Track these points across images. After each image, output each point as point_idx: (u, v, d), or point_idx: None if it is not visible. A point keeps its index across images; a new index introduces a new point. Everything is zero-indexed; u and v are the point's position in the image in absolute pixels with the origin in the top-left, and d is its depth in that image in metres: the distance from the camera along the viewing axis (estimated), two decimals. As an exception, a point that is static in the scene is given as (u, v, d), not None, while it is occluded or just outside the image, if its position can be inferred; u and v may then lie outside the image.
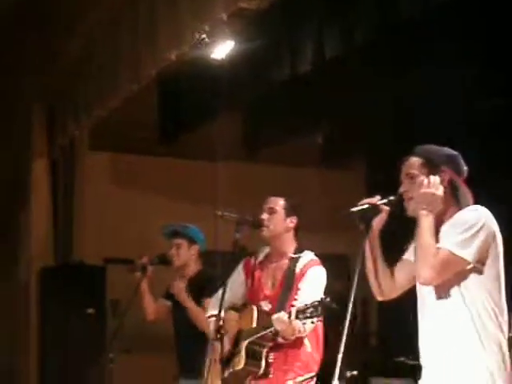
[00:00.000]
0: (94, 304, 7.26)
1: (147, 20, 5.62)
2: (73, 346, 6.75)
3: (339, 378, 2.75)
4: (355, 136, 8.33)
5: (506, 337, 3.00)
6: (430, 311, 3.07)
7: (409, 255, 3.22)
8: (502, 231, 3.04)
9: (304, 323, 3.70)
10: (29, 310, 7.55)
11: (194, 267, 5.35)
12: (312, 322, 3.68)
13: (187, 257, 5.33)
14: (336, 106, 7.43)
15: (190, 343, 5.08)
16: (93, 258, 7.66)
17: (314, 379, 4.13)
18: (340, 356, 2.79)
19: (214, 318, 4.17)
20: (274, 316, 3.87)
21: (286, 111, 7.60)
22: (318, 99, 7.33)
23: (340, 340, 2.83)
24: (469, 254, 2.91)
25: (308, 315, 3.63)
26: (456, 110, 6.57)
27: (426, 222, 3.00)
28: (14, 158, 8.07)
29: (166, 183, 8.56)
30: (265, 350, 4.01)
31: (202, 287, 5.05)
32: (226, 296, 4.14)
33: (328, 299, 3.66)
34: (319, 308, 3.61)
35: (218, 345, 3.97)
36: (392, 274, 3.21)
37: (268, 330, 3.92)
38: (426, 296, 3.07)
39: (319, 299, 3.65)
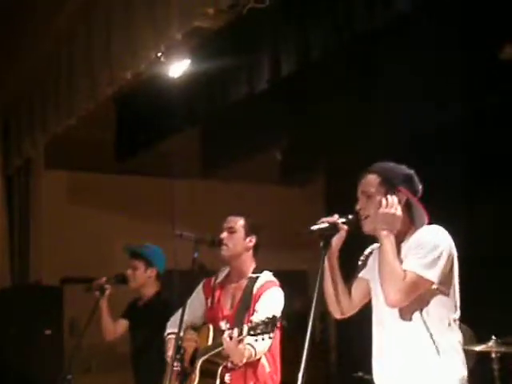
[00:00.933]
0: (52, 324, 7.19)
1: (103, 39, 5.60)
2: (31, 367, 6.67)
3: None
4: (313, 152, 8.39)
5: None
6: (388, 329, 3.11)
7: (364, 273, 3.27)
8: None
9: (256, 340, 3.69)
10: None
11: (151, 289, 5.34)
12: (263, 339, 3.66)
13: (143, 279, 5.31)
14: (294, 122, 7.49)
15: (148, 362, 5.05)
16: (50, 278, 7.59)
17: None
18: (301, 372, 2.81)
19: (172, 336, 4.17)
20: (225, 334, 3.87)
21: (244, 128, 7.63)
22: (276, 115, 7.37)
23: (300, 357, 2.85)
24: (434, 275, 2.98)
25: (259, 331, 3.62)
26: (414, 122, 6.63)
27: (388, 243, 3.05)
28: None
29: (123, 201, 8.55)
30: (219, 368, 4.00)
31: (158, 310, 5.02)
32: (186, 315, 4.13)
33: (278, 317, 3.67)
34: (270, 325, 3.60)
35: (175, 364, 3.95)
36: (349, 292, 3.26)
37: (220, 348, 3.91)
38: (384, 314, 3.12)
39: (270, 316, 3.65)
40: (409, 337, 3.04)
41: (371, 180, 3.17)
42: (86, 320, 4.85)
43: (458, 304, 3.11)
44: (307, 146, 8.35)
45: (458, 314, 3.10)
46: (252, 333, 3.67)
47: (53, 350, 6.94)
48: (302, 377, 2.80)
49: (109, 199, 8.50)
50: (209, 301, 4.32)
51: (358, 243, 3.20)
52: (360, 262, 3.36)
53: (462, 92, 6.15)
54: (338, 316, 3.31)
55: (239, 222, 4.27)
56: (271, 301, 4.07)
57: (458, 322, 3.09)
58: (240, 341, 3.75)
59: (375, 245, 3.24)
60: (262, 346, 3.90)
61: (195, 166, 8.26)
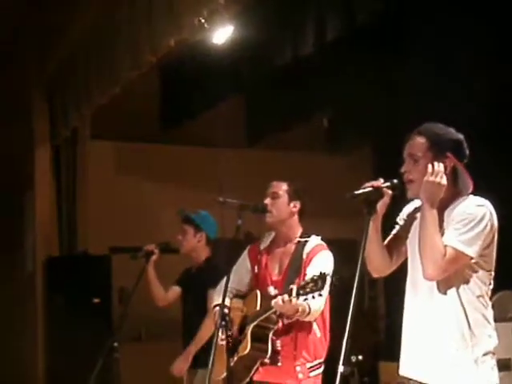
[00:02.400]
0: (100, 293, 7.24)
1: (145, 7, 5.56)
2: (79, 336, 6.73)
3: (345, 364, 2.71)
4: (361, 119, 8.26)
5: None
6: (423, 298, 3.06)
7: (403, 232, 3.22)
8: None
9: (306, 299, 3.64)
10: (35, 301, 7.55)
11: (201, 255, 5.32)
12: (313, 297, 3.59)
13: (193, 244, 5.30)
14: (340, 89, 7.37)
15: (198, 328, 5.04)
16: (98, 248, 7.64)
17: (323, 365, 4.09)
18: (345, 341, 2.75)
19: (218, 308, 4.13)
20: (275, 299, 3.81)
21: (290, 96, 7.53)
22: (322, 82, 7.27)
23: (345, 324, 2.79)
24: (474, 251, 2.93)
25: (308, 290, 3.57)
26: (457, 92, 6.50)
27: (430, 215, 2.97)
28: (16, 148, 8.04)
29: (169, 171, 8.54)
30: (271, 333, 3.96)
31: (209, 275, 4.99)
32: (232, 284, 4.12)
33: (328, 274, 3.61)
34: (319, 282, 3.55)
35: (222, 334, 3.92)
36: (387, 252, 3.21)
37: (270, 312, 3.88)
38: (419, 280, 3.05)
39: (318, 274, 3.59)
40: (441, 307, 2.99)
41: (419, 143, 3.07)
42: (132, 288, 4.85)
43: (492, 275, 3.04)
44: (354, 114, 8.22)
45: (490, 284, 3.04)
46: (301, 292, 3.61)
47: (101, 318, 7.00)
48: (346, 344, 2.74)
49: (155, 169, 8.50)
50: (255, 267, 4.26)
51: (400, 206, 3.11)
52: (399, 219, 3.29)
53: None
54: (375, 275, 3.26)
55: (282, 187, 4.20)
56: (322, 264, 4.00)
57: (489, 292, 3.04)
58: (290, 301, 3.69)
59: (417, 202, 3.13)
60: (317, 305, 3.84)
61: (240, 134, 8.20)
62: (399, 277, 3.29)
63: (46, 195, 7.76)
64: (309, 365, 4.03)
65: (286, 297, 3.71)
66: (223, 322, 3.89)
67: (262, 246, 4.32)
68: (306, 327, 4.02)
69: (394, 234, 3.26)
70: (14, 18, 7.31)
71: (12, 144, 8.05)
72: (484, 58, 6.13)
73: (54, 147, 7.86)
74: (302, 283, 3.64)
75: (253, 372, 4.02)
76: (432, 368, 3.00)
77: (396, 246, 3.23)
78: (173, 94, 7.70)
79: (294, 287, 3.67)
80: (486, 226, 2.93)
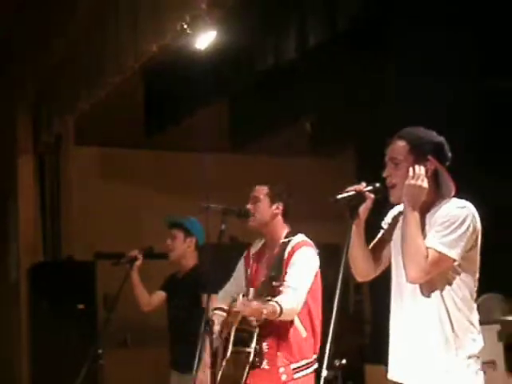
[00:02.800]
0: (85, 299, 7.22)
1: (129, 12, 5.56)
2: (64, 343, 6.71)
3: (328, 368, 2.70)
4: (343, 123, 8.27)
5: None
6: (407, 301, 3.05)
7: (385, 235, 3.22)
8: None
9: (276, 301, 3.65)
10: (19, 308, 7.51)
11: (190, 261, 5.28)
12: (273, 300, 3.64)
13: (182, 249, 5.25)
14: (323, 94, 7.37)
15: (183, 335, 5.02)
16: (82, 254, 7.61)
17: (313, 366, 4.05)
18: (328, 345, 2.74)
19: (217, 312, 4.14)
20: (237, 301, 3.84)
21: (272, 100, 7.54)
22: (304, 87, 7.28)
23: (329, 327, 2.78)
24: (456, 253, 2.91)
25: (261, 293, 3.59)
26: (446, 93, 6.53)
27: (412, 218, 2.96)
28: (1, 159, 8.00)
29: (153, 176, 8.53)
30: (253, 335, 3.93)
31: (197, 283, 4.96)
32: (231, 288, 4.19)
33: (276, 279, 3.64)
34: (273, 286, 3.56)
35: (206, 337, 3.92)
36: (371, 256, 3.19)
37: (239, 316, 3.88)
38: (403, 284, 3.05)
39: (273, 283, 3.62)
40: (425, 310, 2.98)
41: (400, 147, 3.06)
42: (115, 294, 4.82)
43: (477, 276, 3.03)
44: (336, 118, 8.24)
45: (475, 286, 3.02)
46: (258, 294, 3.64)
47: (86, 324, 6.98)
48: (330, 347, 2.73)
49: (139, 174, 8.49)
50: (248, 272, 4.27)
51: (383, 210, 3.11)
52: (383, 223, 3.28)
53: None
54: (360, 279, 3.24)
55: (263, 191, 4.20)
56: (301, 261, 4.00)
57: (475, 295, 3.03)
58: (248, 304, 3.73)
59: (401, 206, 3.13)
60: (291, 303, 3.83)
61: (224, 139, 8.19)
62: (384, 280, 3.27)
63: (29, 202, 7.73)
64: (294, 366, 3.99)
65: (243, 299, 3.75)
66: (206, 328, 3.88)
67: (253, 251, 4.32)
68: (289, 327, 3.99)
69: (379, 238, 3.25)
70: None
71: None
72: (468, 61, 6.14)
73: (37, 154, 7.83)
74: (261, 286, 3.65)
75: (245, 376, 3.97)
76: (417, 371, 2.99)
77: (381, 250, 3.21)
78: (156, 99, 7.69)
79: (252, 290, 3.70)
80: (469, 227, 2.92)
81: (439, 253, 2.89)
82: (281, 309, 3.78)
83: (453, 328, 2.94)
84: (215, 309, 4.21)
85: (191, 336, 4.83)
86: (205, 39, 5.85)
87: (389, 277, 3.21)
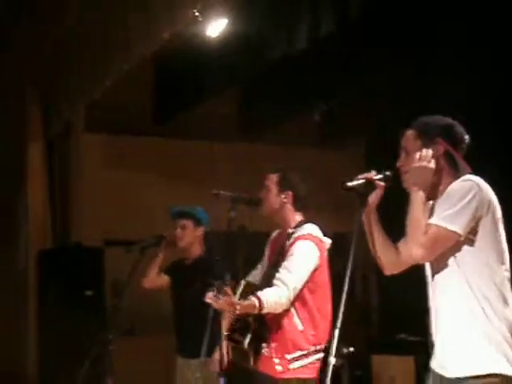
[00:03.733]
0: (93, 286, 7.24)
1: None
2: (72, 329, 6.72)
3: (336, 355, 2.71)
4: (354, 114, 8.27)
5: None
6: (433, 287, 3.03)
7: None
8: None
9: (256, 295, 3.72)
10: (28, 293, 7.54)
11: (198, 249, 5.31)
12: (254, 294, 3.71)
13: (192, 238, 5.28)
14: (334, 84, 7.36)
15: (190, 321, 5.04)
16: (90, 240, 7.63)
17: (313, 356, 4.06)
18: (336, 332, 2.74)
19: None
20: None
21: (284, 90, 7.53)
22: (316, 77, 7.26)
23: (337, 316, 2.79)
24: (459, 227, 2.85)
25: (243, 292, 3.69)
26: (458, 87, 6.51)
27: (416, 197, 2.96)
28: (9, 142, 8.02)
29: (162, 163, 8.52)
30: (248, 326, 3.98)
31: (208, 269, 4.97)
32: (258, 272, 4.30)
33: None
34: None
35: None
36: (396, 248, 3.13)
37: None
38: (429, 271, 3.04)
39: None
40: (449, 295, 2.94)
41: (409, 135, 3.08)
42: (126, 280, 4.84)
43: (506, 255, 2.94)
44: (347, 109, 8.23)
45: (502, 265, 2.92)
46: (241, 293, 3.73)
47: (94, 311, 6.99)
48: (337, 337, 2.73)
49: (148, 162, 8.48)
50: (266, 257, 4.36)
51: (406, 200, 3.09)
52: None
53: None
54: (385, 272, 3.19)
55: (273, 179, 4.21)
56: (296, 254, 4.00)
57: (503, 275, 2.92)
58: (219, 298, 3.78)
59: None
60: (275, 297, 3.86)
61: (234, 128, 8.19)
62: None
63: (38, 188, 7.75)
64: (289, 356, 4.01)
65: (219, 295, 3.79)
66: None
67: (272, 238, 4.37)
68: (285, 320, 4.01)
69: None
70: (6, 15, 7.29)
71: (5, 138, 8.03)
72: (476, 57, 6.12)
73: (47, 141, 7.84)
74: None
75: (251, 361, 4.04)
76: (448, 361, 2.94)
77: None
78: (166, 87, 7.68)
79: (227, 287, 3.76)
80: (472, 199, 2.85)
81: (439, 227, 2.86)
82: (260, 303, 3.80)
83: (484, 311, 2.86)
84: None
85: (198, 322, 4.88)
86: (216, 27, 5.86)
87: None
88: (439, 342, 3.00)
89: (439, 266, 2.96)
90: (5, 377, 7.30)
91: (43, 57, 7.50)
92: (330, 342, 2.87)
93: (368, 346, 7.41)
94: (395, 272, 3.18)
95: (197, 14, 5.01)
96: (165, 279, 5.45)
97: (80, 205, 7.88)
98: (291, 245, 4.05)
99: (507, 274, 2.95)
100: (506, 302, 2.91)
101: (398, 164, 3.10)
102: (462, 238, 2.88)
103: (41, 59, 7.54)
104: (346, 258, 2.92)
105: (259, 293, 3.81)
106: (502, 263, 2.94)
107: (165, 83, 7.70)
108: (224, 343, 4.37)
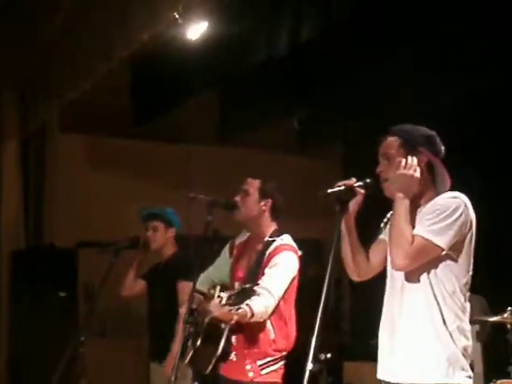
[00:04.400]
0: (66, 287, 7.20)
1: (121, 1, 5.54)
2: (45, 329, 6.69)
3: (313, 361, 2.72)
4: (331, 120, 8.29)
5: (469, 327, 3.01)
6: (398, 294, 3.05)
7: (384, 236, 3.20)
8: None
9: (247, 304, 3.68)
10: (0, 293, 7.48)
11: (170, 250, 5.32)
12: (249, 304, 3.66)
13: (164, 239, 5.29)
14: (313, 91, 7.38)
15: (165, 325, 5.03)
16: (64, 241, 7.58)
17: (280, 362, 4.07)
18: (314, 338, 2.75)
19: (197, 294, 4.13)
20: (211, 302, 3.87)
21: (262, 95, 7.53)
22: (295, 83, 7.28)
23: (314, 322, 2.79)
24: (444, 241, 2.90)
25: (232, 302, 3.63)
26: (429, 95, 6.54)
27: (401, 206, 2.97)
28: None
29: (139, 166, 8.50)
30: (224, 332, 3.94)
31: (178, 269, 5.01)
32: (215, 273, 4.24)
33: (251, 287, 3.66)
34: (242, 296, 3.60)
35: (186, 327, 3.93)
36: (367, 255, 3.19)
37: (209, 316, 3.90)
38: (396, 278, 3.06)
39: (247, 286, 3.64)
40: (415, 302, 2.98)
41: (391, 142, 3.09)
42: (100, 282, 4.82)
43: (470, 272, 3.03)
44: (325, 116, 8.25)
45: (467, 282, 3.01)
46: (228, 302, 3.67)
47: (67, 312, 6.96)
48: (316, 341, 2.75)
49: (125, 164, 8.44)
50: (231, 261, 4.30)
51: (378, 207, 3.11)
52: (382, 225, 3.28)
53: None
54: (355, 278, 3.24)
55: (254, 185, 4.19)
56: (280, 265, 3.99)
57: (466, 290, 3.01)
58: (224, 306, 3.75)
59: None
60: (262, 306, 3.84)
61: (212, 132, 8.18)
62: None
63: (12, 188, 7.70)
64: (260, 362, 4.01)
65: (217, 302, 3.78)
66: (189, 318, 3.89)
67: (237, 242, 4.33)
68: (258, 328, 4.00)
69: (378, 238, 3.25)
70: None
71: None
72: (462, 58, 6.13)
73: (22, 140, 7.80)
74: (233, 292, 3.67)
75: (211, 366, 4.00)
76: (404, 367, 2.98)
77: (379, 250, 3.20)
78: (145, 89, 7.66)
79: (225, 295, 3.71)
80: (459, 217, 2.91)
81: (426, 240, 2.89)
82: (252, 313, 3.79)
83: (442, 322, 2.92)
84: (194, 291, 4.21)
85: (170, 326, 4.89)
86: (197, 29, 5.84)
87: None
88: (404, 347, 2.99)
89: (412, 274, 2.98)
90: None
91: (20, 57, 7.45)
92: (304, 348, 2.88)
93: (340, 353, 7.44)
94: (364, 279, 3.24)
95: (177, 16, 5.01)
96: (141, 284, 5.44)
97: (54, 205, 7.84)
98: (274, 254, 4.04)
99: (469, 280, 3.02)
100: (465, 313, 3.00)
101: (378, 170, 3.10)
102: (444, 253, 2.93)
103: (17, 59, 7.48)
104: (316, 265, 2.93)
105: (249, 302, 3.76)
106: (468, 271, 3.01)
107: (143, 85, 7.67)
108: (177, 347, 4.38)
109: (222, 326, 3.92)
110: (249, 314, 3.79)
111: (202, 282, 4.21)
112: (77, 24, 6.30)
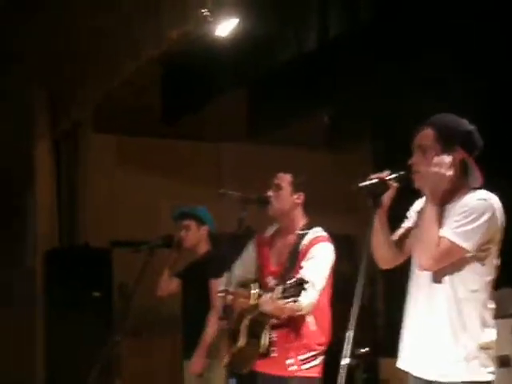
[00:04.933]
0: (101, 287, 7.24)
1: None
2: (79, 330, 6.73)
3: (350, 356, 2.72)
4: (362, 116, 8.24)
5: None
6: (421, 290, 3.05)
7: (411, 225, 3.19)
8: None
9: (295, 301, 3.65)
10: (35, 294, 7.54)
11: (203, 248, 5.34)
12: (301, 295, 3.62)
13: (197, 238, 5.31)
14: (343, 85, 7.35)
15: (199, 323, 5.04)
16: (98, 241, 7.63)
17: (320, 357, 4.08)
18: (351, 333, 2.76)
19: (221, 294, 4.14)
20: (262, 298, 3.85)
21: (291, 91, 7.51)
22: (325, 78, 7.25)
23: (349, 317, 2.80)
24: (470, 244, 2.89)
25: (288, 294, 3.59)
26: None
27: (431, 206, 2.95)
28: (17, 142, 8.03)
29: (170, 165, 8.51)
30: (265, 329, 3.96)
31: (211, 268, 5.01)
32: (239, 272, 4.21)
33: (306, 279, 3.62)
34: (298, 288, 3.57)
35: (221, 324, 3.95)
36: (397, 247, 3.18)
37: (258, 311, 3.90)
38: (419, 275, 3.05)
39: (299, 279, 3.61)
40: (437, 301, 2.98)
41: (428, 134, 3.03)
42: (135, 282, 4.84)
43: (494, 272, 3.01)
44: (356, 111, 8.21)
45: (491, 280, 2.99)
46: (282, 295, 3.63)
47: (101, 312, 7.00)
48: (351, 336, 2.77)
49: (156, 163, 8.46)
50: (258, 256, 4.28)
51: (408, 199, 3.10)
52: (409, 212, 3.26)
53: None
54: (382, 266, 3.23)
55: (286, 179, 4.19)
56: (319, 256, 4.01)
57: (490, 288, 3.00)
58: (275, 301, 3.71)
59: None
60: (309, 299, 3.83)
61: (242, 129, 8.18)
62: (400, 273, 3.28)
63: (46, 189, 7.77)
64: (301, 357, 4.03)
65: (269, 296, 3.76)
66: (223, 315, 3.91)
67: (266, 237, 4.33)
68: (300, 320, 4.01)
69: (405, 228, 3.23)
70: (14, 15, 7.31)
71: (12, 138, 8.05)
72: (490, 51, 6.08)
73: (54, 141, 7.86)
74: (287, 285, 3.64)
75: (251, 365, 4.05)
76: (425, 362, 2.99)
77: (405, 238, 3.19)
78: (174, 87, 7.68)
79: (280, 288, 3.68)
80: (487, 220, 2.89)
81: (452, 243, 2.88)
82: (300, 307, 3.81)
83: (463, 320, 2.92)
84: (220, 291, 4.21)
85: (203, 324, 4.90)
86: (226, 27, 5.84)
87: (404, 270, 3.21)
88: (425, 343, 3.00)
89: (436, 274, 2.98)
90: (12, 377, 7.30)
91: (51, 56, 7.52)
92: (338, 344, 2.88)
93: (375, 349, 7.40)
94: (389, 267, 3.23)
95: (207, 13, 5.02)
96: (176, 282, 5.45)
97: (87, 205, 7.90)
98: (310, 246, 4.05)
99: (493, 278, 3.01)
100: (487, 310, 2.99)
101: (411, 162, 3.06)
102: (470, 255, 2.92)
103: (49, 59, 7.56)
104: (348, 261, 2.93)
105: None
106: (492, 270, 3.01)
107: (173, 84, 7.69)
108: (206, 344, 4.38)
109: (265, 321, 3.93)
110: (298, 308, 3.80)
111: (227, 281, 4.19)
112: (108, 23, 6.33)
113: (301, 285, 3.59)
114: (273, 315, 3.89)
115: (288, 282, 3.63)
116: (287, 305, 3.68)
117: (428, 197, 2.97)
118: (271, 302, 3.76)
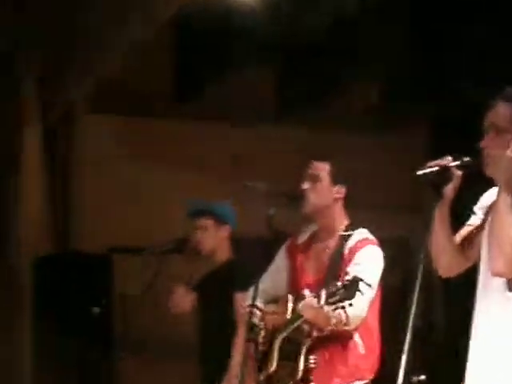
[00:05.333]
0: (99, 300, 7.24)
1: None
2: (74, 347, 6.76)
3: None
4: (416, 94, 8.21)
5: None
6: (494, 305, 2.98)
7: (479, 222, 3.14)
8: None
9: (336, 308, 3.61)
10: (21, 308, 7.56)
11: (224, 254, 5.22)
12: (350, 305, 3.56)
13: (216, 241, 5.19)
14: (391, 58, 7.32)
15: (220, 346, 4.98)
16: (94, 246, 7.63)
17: None
18: (404, 357, 2.72)
19: (249, 310, 4.13)
20: (301, 302, 3.80)
21: (329, 63, 7.50)
22: (369, 49, 7.23)
23: (402, 337, 2.76)
24: None
25: (338, 298, 3.55)
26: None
27: (504, 199, 2.87)
28: (2, 129, 8.06)
29: (184, 149, 8.46)
30: (303, 348, 3.92)
31: (235, 279, 4.93)
32: (266, 285, 4.16)
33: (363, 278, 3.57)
34: (351, 289, 3.53)
35: (248, 345, 3.93)
36: (459, 248, 3.14)
37: (299, 321, 3.85)
38: (490, 284, 2.98)
39: (350, 278, 3.57)
40: (506, 310, 2.92)
41: (504, 111, 2.96)
42: (141, 293, 4.83)
43: None
44: (406, 88, 8.18)
45: None
46: (330, 301, 3.58)
47: (100, 328, 7.01)
48: (405, 365, 2.72)
49: (164, 149, 8.43)
50: (292, 265, 4.23)
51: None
52: (476, 207, 3.20)
53: None
54: (443, 274, 3.18)
55: (325, 168, 4.13)
56: (368, 261, 3.97)
57: None
58: (321, 308, 3.67)
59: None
60: (357, 310, 3.77)
61: (269, 108, 8.18)
62: (462, 283, 3.26)
63: (35, 184, 7.80)
64: None
65: (315, 301, 3.69)
66: (251, 335, 3.89)
67: (300, 241, 4.28)
68: (346, 341, 3.98)
69: (469, 225, 3.18)
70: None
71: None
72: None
73: (46, 126, 7.88)
74: (334, 288, 3.60)
75: None
76: None
77: (470, 239, 3.14)
78: (189, 60, 7.69)
79: (323, 293, 3.63)
80: None
81: None
82: (347, 317, 3.76)
83: None
84: (246, 307, 4.19)
85: (225, 345, 4.86)
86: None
87: (470, 278, 3.16)
88: (497, 372, 2.92)
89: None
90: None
91: (42, 26, 7.52)
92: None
93: (433, 376, 7.37)
94: (451, 274, 3.18)
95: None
96: (193, 296, 5.29)
97: (83, 203, 7.94)
98: (356, 249, 4.01)
99: None
100: None
101: (483, 144, 3.00)
102: None
103: (39, 29, 7.56)
104: (401, 269, 2.91)
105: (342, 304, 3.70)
106: None
107: (188, 57, 7.70)
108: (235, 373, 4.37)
109: (309, 334, 3.90)
110: (344, 319, 3.76)
111: (257, 293, 4.15)
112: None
113: (355, 283, 3.54)
114: (315, 324, 3.84)
115: (335, 285, 3.60)
116: (335, 312, 3.65)
117: (502, 186, 2.90)
118: (314, 308, 3.72)
